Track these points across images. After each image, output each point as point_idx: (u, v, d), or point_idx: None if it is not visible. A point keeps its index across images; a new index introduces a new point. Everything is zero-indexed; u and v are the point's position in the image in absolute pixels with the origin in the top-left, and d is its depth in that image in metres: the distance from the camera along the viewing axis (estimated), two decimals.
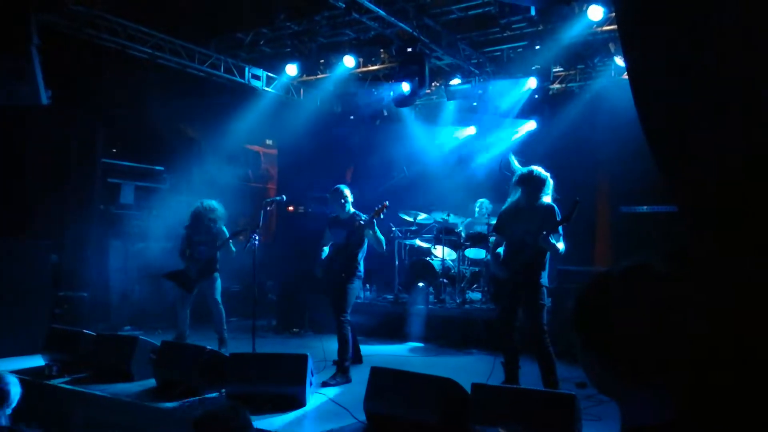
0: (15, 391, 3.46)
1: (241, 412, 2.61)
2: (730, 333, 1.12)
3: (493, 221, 6.77)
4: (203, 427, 2.53)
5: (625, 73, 8.63)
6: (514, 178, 5.18)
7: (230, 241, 7.10)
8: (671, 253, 1.29)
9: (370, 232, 6.03)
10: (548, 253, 4.98)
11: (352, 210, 6.25)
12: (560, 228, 4.86)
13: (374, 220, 6.00)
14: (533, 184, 5.02)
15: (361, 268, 6.18)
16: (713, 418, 1.09)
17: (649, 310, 1.08)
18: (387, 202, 6.10)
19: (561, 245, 4.87)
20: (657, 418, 1.07)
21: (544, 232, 4.76)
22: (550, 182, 5.07)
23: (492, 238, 5.58)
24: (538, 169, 5.08)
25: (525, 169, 5.14)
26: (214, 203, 7.26)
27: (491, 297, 5.40)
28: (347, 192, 6.27)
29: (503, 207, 5.33)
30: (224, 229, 7.21)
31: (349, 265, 6.08)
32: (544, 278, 4.99)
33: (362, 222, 5.99)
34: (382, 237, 6.15)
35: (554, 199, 5.12)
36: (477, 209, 9.41)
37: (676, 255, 1.34)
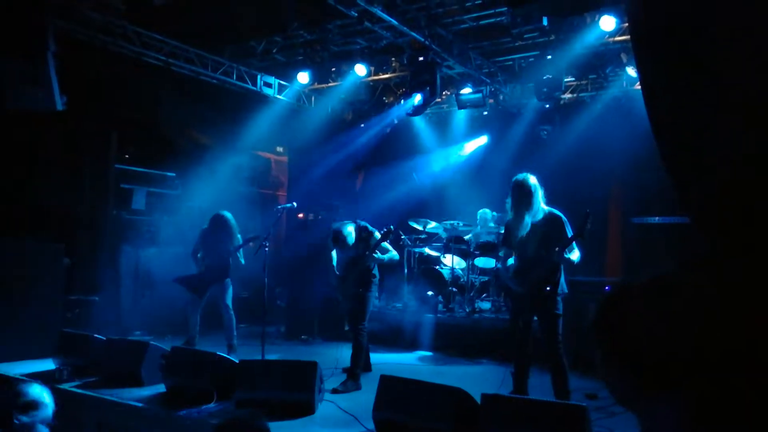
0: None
1: (262, 421, 2.62)
2: (755, 342, 1.11)
3: (502, 231, 6.73)
4: None
5: (638, 83, 8.62)
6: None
7: (241, 250, 7.14)
8: (687, 263, 1.29)
9: (382, 258, 6.09)
10: None
11: (354, 230, 6.23)
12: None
13: (375, 252, 6.03)
14: (522, 191, 4.93)
15: (377, 273, 6.21)
16: (735, 429, 1.09)
17: (672, 320, 1.08)
18: (392, 227, 6.10)
19: (576, 254, 4.84)
20: (677, 430, 1.07)
21: (557, 249, 4.72)
22: (539, 186, 4.96)
23: (501, 252, 5.53)
24: (526, 176, 5.00)
25: (514, 179, 5.06)
26: (230, 216, 7.33)
27: (510, 311, 5.34)
28: (347, 231, 6.21)
29: (508, 218, 5.28)
30: (238, 236, 7.27)
31: (364, 276, 6.11)
32: (562, 286, 4.96)
33: (367, 254, 6.04)
34: (389, 257, 6.19)
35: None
36: (479, 220, 9.37)
37: (692, 265, 1.34)
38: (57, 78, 6.82)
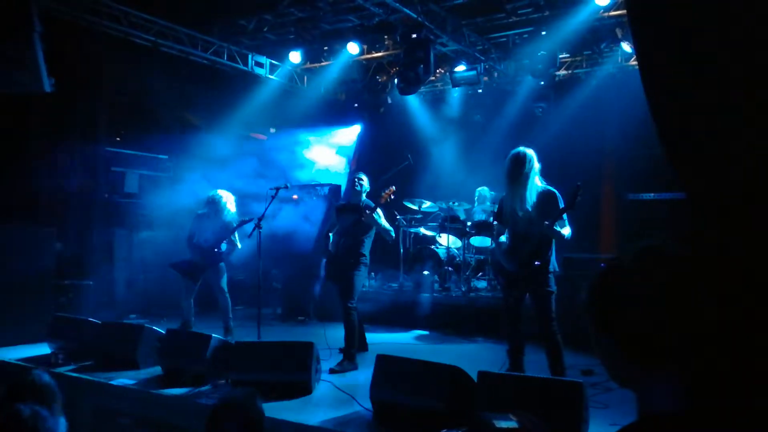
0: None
1: (258, 402, 2.58)
2: (747, 317, 1.09)
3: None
4: (221, 413, 2.51)
5: (633, 59, 8.55)
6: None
7: (236, 233, 7.05)
8: (680, 239, 1.27)
9: (378, 220, 6.00)
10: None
11: (365, 198, 6.21)
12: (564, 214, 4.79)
13: (379, 209, 5.97)
14: (517, 165, 4.87)
15: (368, 255, 6.17)
16: (730, 403, 1.07)
17: (664, 293, 1.06)
18: (393, 188, 6.07)
19: (567, 230, 4.79)
20: (673, 406, 1.05)
21: (547, 222, 4.67)
22: (535, 160, 4.90)
23: (494, 228, 5.50)
24: (521, 150, 4.92)
25: (510, 153, 4.99)
26: (227, 193, 7.22)
27: (501, 288, 5.31)
28: (365, 180, 6.26)
29: (503, 194, 5.24)
30: (234, 219, 7.14)
31: (355, 251, 6.06)
32: (553, 264, 4.92)
33: (368, 211, 5.96)
34: (389, 227, 6.14)
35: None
36: (476, 198, 9.36)
37: (684, 241, 1.31)
38: (44, 60, 6.70)
